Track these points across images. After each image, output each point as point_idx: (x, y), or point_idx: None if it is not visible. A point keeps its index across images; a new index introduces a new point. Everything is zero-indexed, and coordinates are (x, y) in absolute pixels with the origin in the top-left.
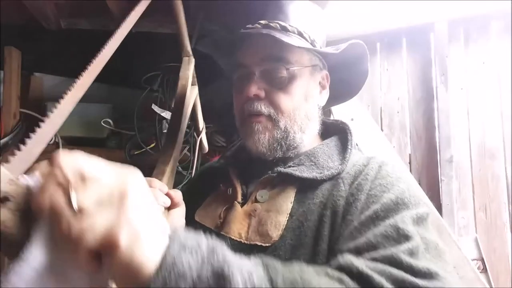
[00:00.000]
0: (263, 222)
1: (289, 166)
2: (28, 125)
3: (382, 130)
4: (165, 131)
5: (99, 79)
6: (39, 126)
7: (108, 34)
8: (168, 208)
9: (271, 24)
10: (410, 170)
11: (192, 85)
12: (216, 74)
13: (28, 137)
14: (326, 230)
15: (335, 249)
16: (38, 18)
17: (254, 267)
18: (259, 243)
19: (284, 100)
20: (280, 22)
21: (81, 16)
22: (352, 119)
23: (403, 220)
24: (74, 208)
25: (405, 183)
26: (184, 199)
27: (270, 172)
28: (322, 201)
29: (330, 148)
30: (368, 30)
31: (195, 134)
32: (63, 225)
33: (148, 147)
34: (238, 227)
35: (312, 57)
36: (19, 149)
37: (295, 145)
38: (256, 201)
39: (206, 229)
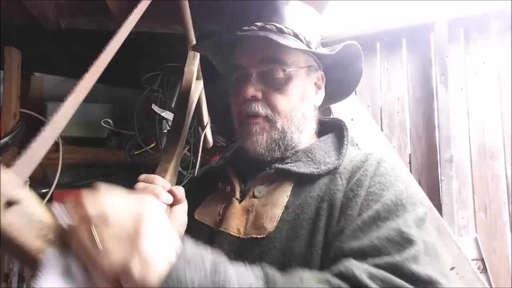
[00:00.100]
0: (260, 216)
1: (287, 163)
2: (28, 125)
3: (382, 130)
4: (165, 131)
5: (99, 79)
6: (41, 129)
7: (108, 34)
8: (171, 205)
9: (267, 26)
10: (410, 170)
11: (196, 79)
12: (216, 74)
13: (28, 137)
14: (323, 223)
15: (335, 245)
16: (38, 18)
17: (255, 281)
18: (254, 236)
19: (281, 101)
20: (276, 24)
21: (81, 16)
22: (352, 119)
23: (406, 223)
24: (99, 248)
25: (403, 182)
26: (186, 198)
27: (268, 168)
28: (319, 194)
29: (326, 144)
30: (368, 30)
31: (199, 128)
32: (90, 260)
33: (148, 147)
34: (237, 223)
35: (308, 58)
36: (22, 153)
37: (293, 145)
38: (253, 196)
39: (206, 227)
